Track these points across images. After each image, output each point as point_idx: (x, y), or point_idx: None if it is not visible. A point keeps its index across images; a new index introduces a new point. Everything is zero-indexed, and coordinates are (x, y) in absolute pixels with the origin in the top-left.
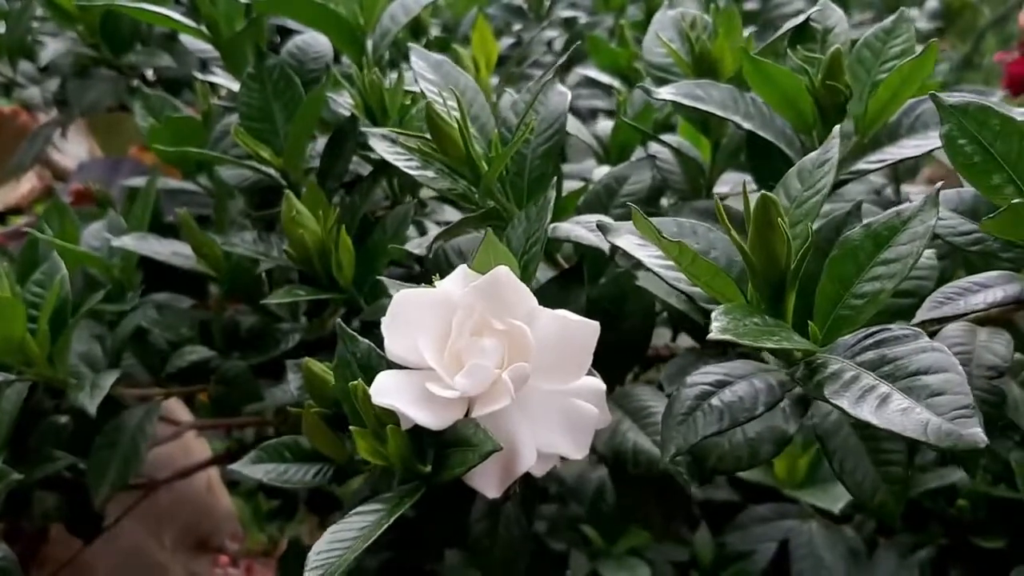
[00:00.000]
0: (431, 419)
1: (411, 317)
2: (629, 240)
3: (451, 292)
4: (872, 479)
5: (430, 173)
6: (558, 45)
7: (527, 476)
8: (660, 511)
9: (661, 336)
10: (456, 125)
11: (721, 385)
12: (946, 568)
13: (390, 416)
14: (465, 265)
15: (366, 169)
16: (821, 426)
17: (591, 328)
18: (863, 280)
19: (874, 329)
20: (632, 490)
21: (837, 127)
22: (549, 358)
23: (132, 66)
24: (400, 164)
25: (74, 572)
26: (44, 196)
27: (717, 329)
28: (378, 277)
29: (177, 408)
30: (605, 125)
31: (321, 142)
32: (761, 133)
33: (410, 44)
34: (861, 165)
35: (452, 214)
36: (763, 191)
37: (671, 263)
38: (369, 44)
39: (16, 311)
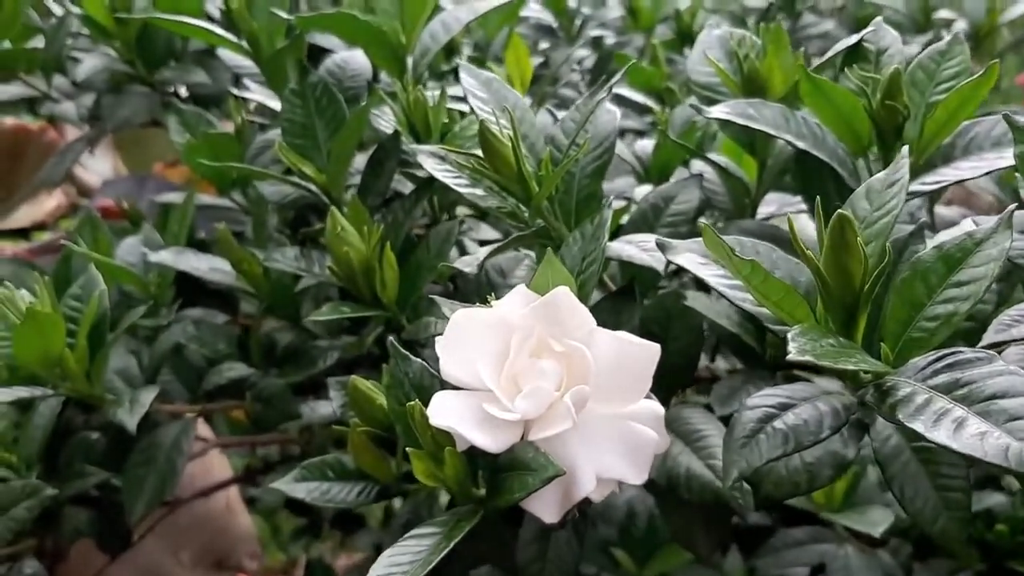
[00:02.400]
0: (489, 442)
1: (469, 337)
2: (691, 259)
3: (509, 312)
4: (933, 505)
5: (479, 191)
6: (588, 64)
7: (583, 501)
8: (708, 536)
9: None
10: (509, 143)
11: (784, 408)
12: None
13: (446, 438)
14: (524, 285)
15: (404, 186)
16: (881, 451)
17: (651, 350)
18: (935, 302)
19: (945, 352)
20: (680, 514)
21: (905, 147)
22: (608, 381)
23: (166, 82)
24: (449, 181)
25: None
26: (69, 212)
27: (796, 350)
28: (430, 296)
29: (199, 426)
30: (645, 144)
31: (359, 159)
32: (814, 152)
33: (459, 61)
34: (916, 187)
35: (488, 232)
36: (839, 210)
37: (737, 282)
38: (409, 62)
39: (56, 326)
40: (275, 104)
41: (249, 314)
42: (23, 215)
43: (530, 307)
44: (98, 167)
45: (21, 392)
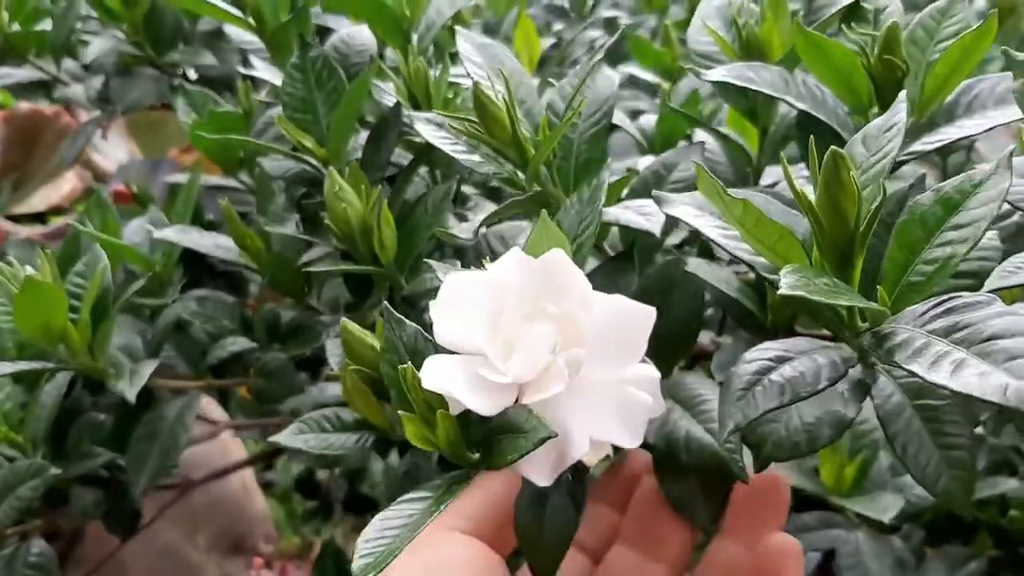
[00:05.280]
0: (482, 404)
1: (462, 300)
2: (686, 210)
3: (503, 275)
4: (936, 463)
5: (476, 157)
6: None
7: (577, 465)
8: (706, 504)
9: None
10: (503, 106)
11: (781, 360)
12: None
13: (439, 401)
14: (518, 248)
15: (407, 162)
16: (882, 408)
17: (647, 313)
18: (933, 246)
19: (944, 297)
20: (678, 483)
21: (903, 92)
22: (603, 344)
23: (175, 64)
24: (446, 148)
25: (109, 572)
26: (85, 197)
27: (787, 286)
28: (425, 260)
29: (212, 408)
30: (649, 118)
31: (363, 137)
32: (814, 113)
33: (456, 27)
34: (918, 146)
35: (493, 208)
36: (832, 147)
37: (733, 232)
38: (414, 38)
39: (58, 298)
40: (279, 81)
41: (255, 296)
42: (39, 199)
43: (524, 269)
44: (114, 152)
45: (24, 365)
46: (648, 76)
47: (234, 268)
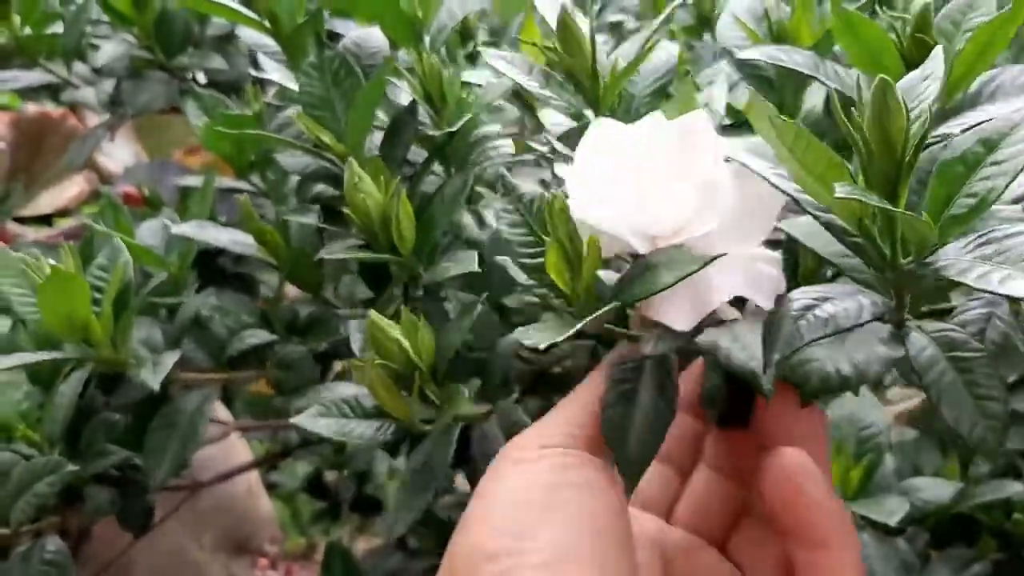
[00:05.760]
0: (638, 242)
1: (601, 157)
2: (736, 152)
3: (645, 134)
4: (971, 412)
5: (547, 92)
6: (607, 50)
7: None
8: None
9: None
10: (588, 35)
11: (824, 300)
12: None
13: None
14: (659, 111)
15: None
16: (917, 359)
17: (778, 196)
18: (974, 181)
19: (983, 231)
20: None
21: (938, 47)
22: (737, 213)
23: (184, 68)
24: (520, 80)
25: (116, 571)
26: (91, 199)
27: (843, 192)
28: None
29: (218, 410)
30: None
31: (378, 137)
32: (844, 93)
33: (478, 47)
34: (944, 129)
35: (503, 206)
36: (880, 75)
37: (782, 171)
38: (426, 39)
39: (80, 287)
40: (293, 85)
41: (267, 297)
42: (45, 202)
43: (666, 131)
44: (119, 154)
45: (45, 355)
46: None
47: (246, 271)
